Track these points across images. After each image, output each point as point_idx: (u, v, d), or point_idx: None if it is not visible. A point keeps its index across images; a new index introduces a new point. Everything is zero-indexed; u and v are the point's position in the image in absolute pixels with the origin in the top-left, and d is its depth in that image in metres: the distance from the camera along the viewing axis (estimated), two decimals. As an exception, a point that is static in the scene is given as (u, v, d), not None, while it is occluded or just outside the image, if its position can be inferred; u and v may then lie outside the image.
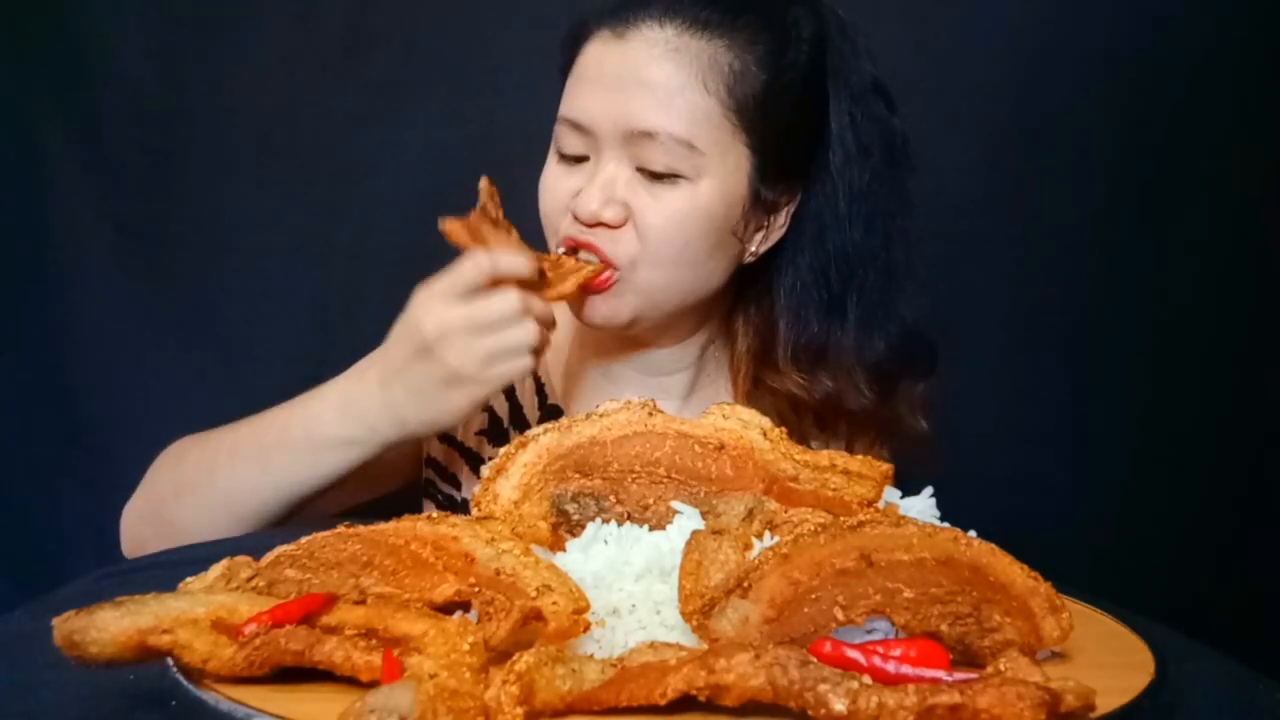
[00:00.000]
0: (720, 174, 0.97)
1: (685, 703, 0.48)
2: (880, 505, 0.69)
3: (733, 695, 0.48)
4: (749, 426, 0.72)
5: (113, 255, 1.50)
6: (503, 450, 0.72)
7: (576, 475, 0.70)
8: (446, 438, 1.10)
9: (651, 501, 0.68)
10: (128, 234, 1.49)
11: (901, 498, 0.73)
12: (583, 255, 0.97)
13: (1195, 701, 0.59)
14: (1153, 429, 1.54)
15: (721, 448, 0.70)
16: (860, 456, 0.72)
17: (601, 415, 0.72)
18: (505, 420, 1.09)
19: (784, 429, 0.73)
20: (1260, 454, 1.52)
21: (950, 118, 1.49)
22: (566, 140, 1.00)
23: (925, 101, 1.45)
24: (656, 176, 0.96)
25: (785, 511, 0.65)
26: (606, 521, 0.67)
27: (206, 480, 0.95)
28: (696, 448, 0.70)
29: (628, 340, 1.07)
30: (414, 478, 1.13)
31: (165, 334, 1.50)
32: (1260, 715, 0.62)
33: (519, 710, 0.46)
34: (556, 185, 1.01)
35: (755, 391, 1.08)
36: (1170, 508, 1.52)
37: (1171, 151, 1.51)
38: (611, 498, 0.68)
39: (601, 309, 0.99)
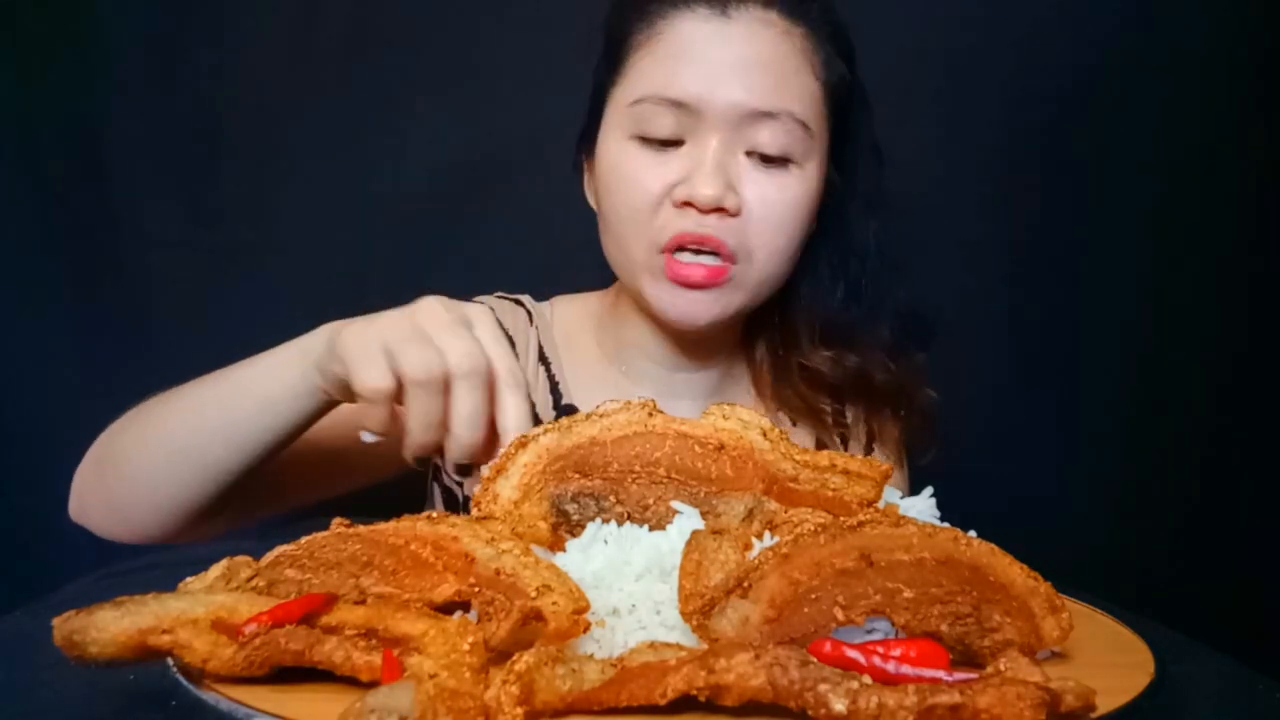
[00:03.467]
0: (818, 158, 0.99)
1: (685, 703, 0.48)
2: (880, 505, 0.69)
3: (733, 695, 0.48)
4: (749, 426, 0.72)
5: (112, 255, 1.50)
6: (503, 450, 0.72)
7: (576, 475, 0.70)
8: None
9: (651, 501, 0.68)
10: (126, 234, 1.49)
11: (901, 497, 0.73)
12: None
13: (1195, 701, 0.59)
14: (1153, 429, 1.54)
15: (721, 448, 0.70)
16: (860, 457, 0.72)
17: (601, 415, 0.72)
18: None
19: (785, 431, 0.73)
20: (1260, 454, 1.52)
21: (944, 119, 1.49)
22: (658, 122, 0.94)
23: (919, 102, 1.45)
24: (767, 160, 0.95)
25: (785, 511, 0.65)
26: (606, 521, 0.67)
27: (167, 426, 0.89)
28: (696, 448, 0.70)
29: (654, 336, 1.06)
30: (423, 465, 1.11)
31: (165, 334, 1.50)
32: (1260, 715, 0.62)
33: (519, 710, 0.46)
34: (648, 173, 0.95)
35: (778, 384, 1.09)
36: (1169, 508, 1.52)
37: (1168, 151, 1.51)
38: (611, 498, 0.68)
39: (712, 308, 0.97)
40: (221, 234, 1.50)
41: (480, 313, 0.78)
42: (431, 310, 0.77)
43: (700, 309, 0.97)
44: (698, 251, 0.95)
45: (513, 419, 0.75)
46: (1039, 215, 1.53)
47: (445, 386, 0.74)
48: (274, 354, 0.87)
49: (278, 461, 0.91)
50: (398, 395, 0.75)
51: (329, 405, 0.85)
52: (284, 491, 0.98)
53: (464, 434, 0.74)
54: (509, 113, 1.48)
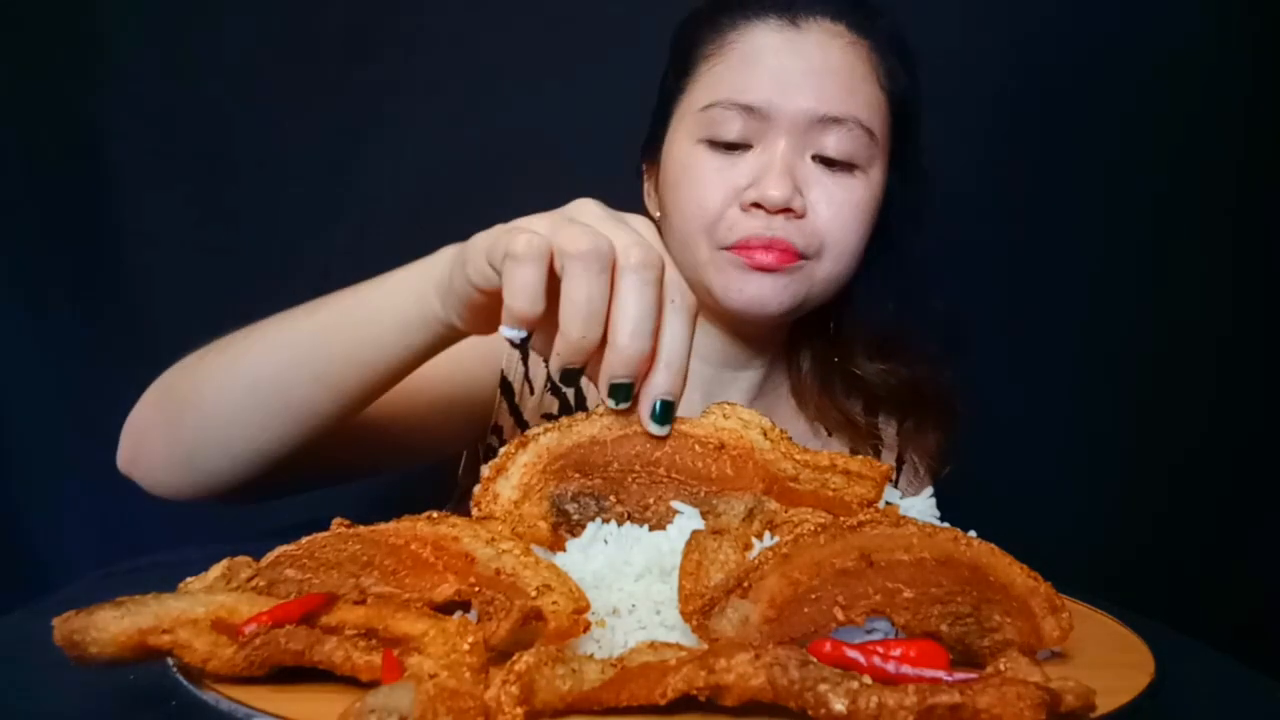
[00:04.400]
0: (882, 166, 1.02)
1: (685, 703, 0.48)
2: (880, 505, 0.69)
3: (733, 695, 0.48)
4: (749, 426, 0.72)
5: (112, 255, 1.50)
6: (502, 450, 0.72)
7: (576, 475, 0.70)
8: (514, 410, 1.07)
9: (651, 501, 0.68)
10: (127, 234, 1.49)
11: (901, 498, 0.73)
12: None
13: (1195, 701, 0.59)
14: (1153, 429, 1.54)
15: (721, 447, 0.70)
16: (860, 457, 0.72)
17: (601, 415, 0.72)
18: (574, 409, 1.07)
19: (785, 431, 0.73)
20: (1260, 454, 1.52)
21: (944, 119, 1.49)
22: (728, 125, 0.97)
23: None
24: (832, 165, 0.98)
25: (785, 511, 0.65)
26: (606, 521, 0.67)
27: (251, 359, 0.80)
28: (696, 447, 0.70)
29: (707, 331, 1.06)
30: (478, 437, 1.09)
31: (166, 334, 1.50)
32: (1260, 715, 0.62)
33: (519, 710, 0.46)
34: (716, 174, 0.98)
35: (821, 395, 1.11)
36: (1170, 508, 1.53)
37: (1168, 151, 1.51)
38: (611, 498, 0.68)
39: (781, 294, 0.98)
40: (223, 234, 1.50)
41: (645, 221, 0.66)
42: (587, 206, 0.66)
43: (770, 293, 0.98)
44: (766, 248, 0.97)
45: (677, 343, 0.63)
46: (1039, 215, 1.53)
47: (609, 279, 0.62)
48: (385, 279, 0.77)
49: (359, 420, 0.81)
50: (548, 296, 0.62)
51: (441, 342, 0.75)
52: (355, 456, 0.91)
53: (628, 340, 0.61)
54: (508, 113, 1.48)
